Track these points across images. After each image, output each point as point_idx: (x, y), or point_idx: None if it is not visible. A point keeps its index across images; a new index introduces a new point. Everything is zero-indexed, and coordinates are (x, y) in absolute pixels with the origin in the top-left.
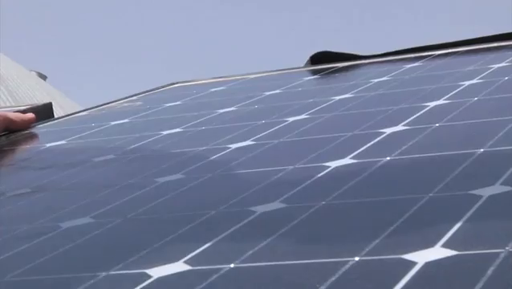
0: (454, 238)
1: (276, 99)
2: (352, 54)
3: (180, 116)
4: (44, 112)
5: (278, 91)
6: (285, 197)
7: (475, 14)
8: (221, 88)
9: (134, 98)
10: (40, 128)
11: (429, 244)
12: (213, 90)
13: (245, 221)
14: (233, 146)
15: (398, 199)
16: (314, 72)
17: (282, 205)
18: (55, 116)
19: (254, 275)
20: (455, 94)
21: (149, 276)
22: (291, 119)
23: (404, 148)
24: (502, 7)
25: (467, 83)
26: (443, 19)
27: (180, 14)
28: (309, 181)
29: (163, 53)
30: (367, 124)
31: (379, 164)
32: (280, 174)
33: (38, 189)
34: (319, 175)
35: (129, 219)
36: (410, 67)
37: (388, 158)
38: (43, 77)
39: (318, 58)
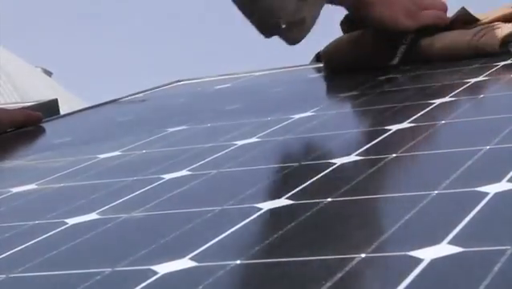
0: (460, 235)
1: (281, 96)
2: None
3: (185, 114)
4: (50, 109)
5: (283, 88)
6: (291, 193)
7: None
8: (226, 86)
9: (139, 95)
10: (46, 125)
11: (436, 241)
12: (217, 87)
13: (252, 217)
14: (239, 143)
15: (404, 196)
16: (320, 70)
17: (289, 202)
18: (61, 112)
19: (260, 272)
20: (461, 91)
21: (155, 272)
22: (297, 116)
23: (410, 144)
24: None
25: (473, 80)
26: None
27: (185, 10)
28: (314, 178)
29: (168, 50)
30: (374, 121)
31: (385, 160)
32: (286, 171)
33: (43, 186)
34: (324, 172)
35: (135, 215)
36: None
37: (394, 155)
38: (49, 73)
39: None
